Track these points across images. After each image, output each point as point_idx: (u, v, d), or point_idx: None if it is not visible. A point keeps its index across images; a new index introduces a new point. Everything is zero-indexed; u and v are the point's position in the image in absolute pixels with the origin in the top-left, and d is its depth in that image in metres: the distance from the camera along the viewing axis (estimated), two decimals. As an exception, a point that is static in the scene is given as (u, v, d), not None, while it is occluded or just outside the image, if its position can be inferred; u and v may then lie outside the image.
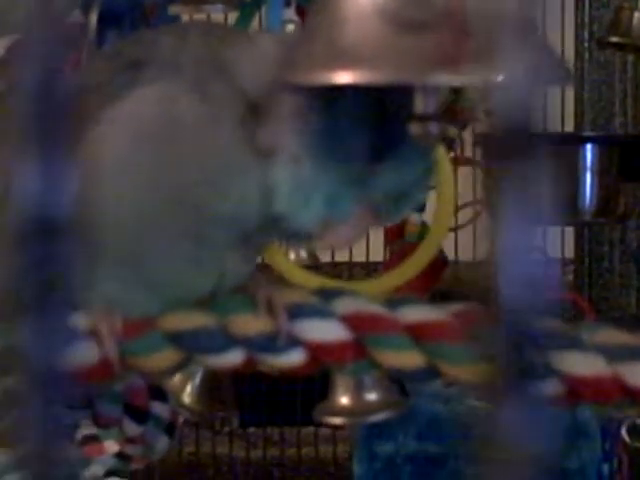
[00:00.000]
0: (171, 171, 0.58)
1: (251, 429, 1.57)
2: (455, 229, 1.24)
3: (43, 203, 0.24)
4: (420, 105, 0.56)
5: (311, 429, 1.51)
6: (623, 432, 1.06)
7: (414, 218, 1.04)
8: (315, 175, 0.58)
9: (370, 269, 1.51)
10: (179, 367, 0.63)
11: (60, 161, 0.24)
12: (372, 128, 0.58)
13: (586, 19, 1.43)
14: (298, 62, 0.57)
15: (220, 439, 1.54)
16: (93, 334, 0.60)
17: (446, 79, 0.54)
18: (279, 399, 1.51)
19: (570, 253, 1.47)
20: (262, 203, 0.59)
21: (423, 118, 0.56)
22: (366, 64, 0.53)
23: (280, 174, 0.59)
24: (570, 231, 1.43)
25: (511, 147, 0.26)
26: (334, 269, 1.53)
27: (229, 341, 0.62)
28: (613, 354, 0.61)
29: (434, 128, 0.56)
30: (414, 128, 0.56)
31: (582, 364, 0.60)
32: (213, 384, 0.97)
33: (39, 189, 0.24)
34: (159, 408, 0.87)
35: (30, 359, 0.28)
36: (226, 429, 1.55)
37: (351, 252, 1.49)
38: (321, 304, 0.63)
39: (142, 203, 0.59)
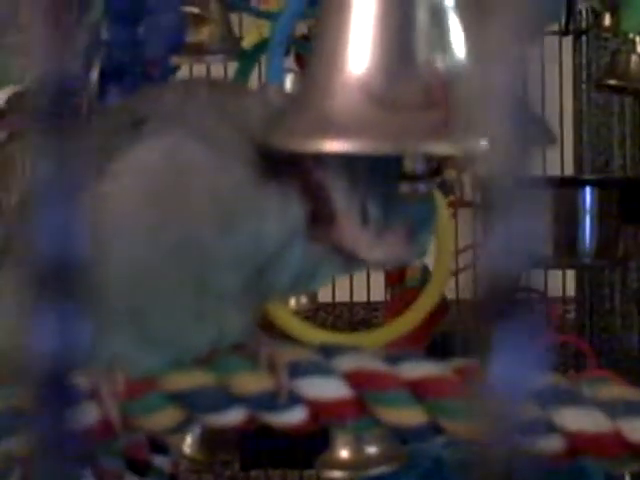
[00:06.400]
0: (180, 220, 0.58)
1: (252, 472, 1.56)
2: (456, 272, 1.25)
3: (55, 358, 0.24)
4: (409, 166, 0.58)
5: (313, 472, 1.51)
6: (627, 478, 1.06)
7: (415, 263, 1.05)
8: (367, 188, 0.59)
9: (371, 309, 1.51)
10: (181, 426, 0.63)
11: (75, 316, 0.24)
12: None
13: (584, 61, 1.44)
14: (289, 129, 0.57)
15: (221, 481, 1.54)
16: (94, 394, 0.60)
17: (430, 149, 0.56)
18: (280, 441, 1.51)
19: (571, 292, 1.48)
20: (281, 239, 0.59)
21: (412, 178, 0.58)
22: (353, 135, 0.55)
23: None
24: (571, 271, 1.44)
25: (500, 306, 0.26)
26: (334, 309, 1.53)
27: (230, 400, 0.62)
28: (614, 410, 0.61)
29: (422, 187, 0.58)
30: (403, 187, 0.58)
31: (583, 420, 0.61)
32: (213, 432, 0.97)
33: (53, 345, 0.25)
34: (160, 460, 0.87)
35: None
36: (227, 472, 1.55)
37: (352, 292, 1.49)
38: (322, 361, 0.63)
39: (150, 257, 0.58)
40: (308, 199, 0.59)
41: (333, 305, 1.50)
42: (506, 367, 0.27)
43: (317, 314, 1.41)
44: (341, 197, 0.59)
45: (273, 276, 0.60)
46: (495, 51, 0.27)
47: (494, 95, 0.26)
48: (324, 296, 1.42)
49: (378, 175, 0.60)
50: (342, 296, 1.50)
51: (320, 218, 0.59)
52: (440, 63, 0.56)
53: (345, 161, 0.59)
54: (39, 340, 0.25)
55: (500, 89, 0.26)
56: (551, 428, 0.60)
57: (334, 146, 0.55)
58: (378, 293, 1.36)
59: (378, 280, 1.26)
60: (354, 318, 1.53)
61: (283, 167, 0.58)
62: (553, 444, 0.60)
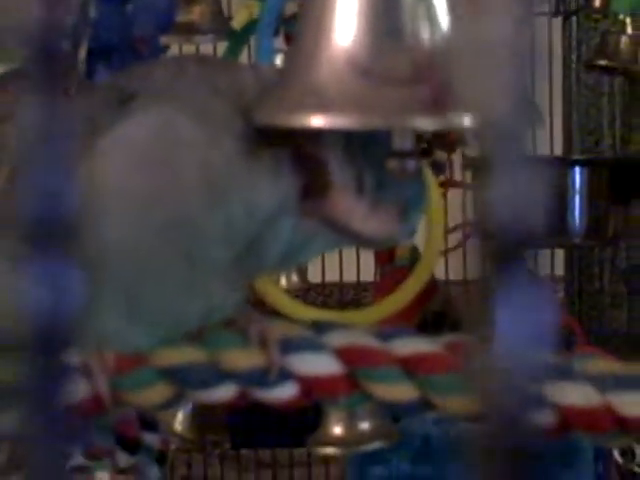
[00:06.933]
0: (170, 195, 0.58)
1: (243, 451, 1.56)
2: (445, 252, 1.25)
3: (47, 313, 0.24)
4: (398, 142, 0.57)
5: (303, 450, 1.51)
6: (616, 454, 1.07)
7: (404, 242, 1.04)
8: (363, 160, 0.59)
9: (361, 289, 1.51)
10: (171, 402, 0.63)
11: (64, 266, 0.24)
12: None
13: (574, 42, 1.44)
14: (274, 104, 0.57)
15: (211, 461, 1.54)
16: (85, 370, 0.60)
17: (418, 125, 0.55)
18: (271, 420, 1.51)
19: (560, 271, 1.48)
20: (271, 213, 0.58)
21: (401, 154, 0.57)
22: (340, 110, 0.54)
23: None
24: (560, 251, 1.44)
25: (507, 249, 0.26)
26: (324, 290, 1.53)
27: (221, 376, 0.62)
28: (604, 384, 0.61)
29: (411, 164, 0.57)
30: (391, 163, 0.57)
31: (573, 394, 0.60)
32: (205, 410, 0.97)
33: (43, 296, 0.24)
34: (150, 438, 0.87)
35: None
36: (217, 451, 1.55)
37: (341, 272, 1.49)
38: (313, 338, 0.63)
39: (141, 231, 0.58)
40: (301, 171, 0.58)
41: (323, 285, 1.50)
42: (511, 327, 0.27)
43: (307, 294, 1.41)
44: (337, 167, 0.59)
45: (263, 250, 0.59)
46: (492, 9, 0.26)
47: (489, 51, 0.26)
48: (314, 276, 1.42)
49: (373, 148, 0.59)
50: (332, 276, 1.49)
51: (313, 191, 0.59)
52: (427, 37, 0.55)
53: (340, 132, 0.58)
54: (29, 300, 0.25)
55: (496, 44, 0.26)
56: (543, 402, 0.60)
57: (320, 121, 0.54)
58: (368, 273, 1.36)
59: (368, 260, 1.26)
60: (344, 298, 1.52)
61: (276, 140, 0.58)
62: (544, 418, 0.60)
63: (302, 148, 0.58)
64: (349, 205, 0.59)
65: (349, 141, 0.59)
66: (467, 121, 0.54)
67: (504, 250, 0.26)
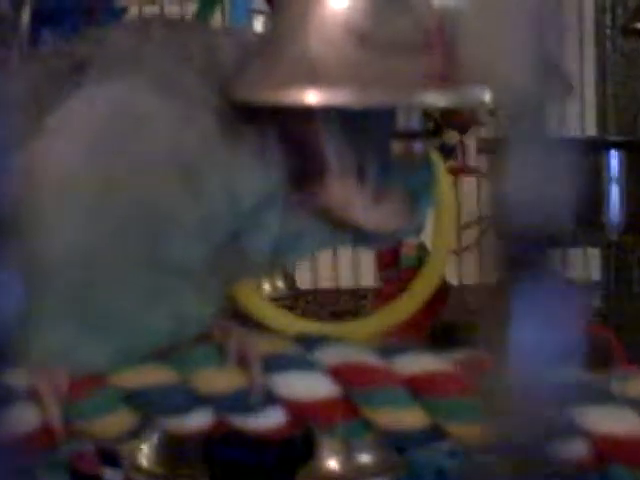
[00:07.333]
0: (131, 181, 0.58)
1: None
2: (458, 252, 1.25)
3: None
4: (403, 121, 0.57)
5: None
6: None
7: (410, 239, 1.05)
8: (364, 143, 0.59)
9: (359, 297, 1.52)
10: (136, 431, 0.63)
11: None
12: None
13: (608, 3, 1.45)
14: (257, 77, 0.57)
15: (183, 501, 1.55)
16: (32, 394, 0.60)
17: (426, 101, 0.55)
18: (254, 455, 1.51)
19: (596, 276, 1.48)
20: (256, 202, 0.59)
21: (407, 135, 0.57)
22: (336, 84, 0.54)
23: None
24: (595, 250, 1.44)
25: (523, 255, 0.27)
26: (316, 298, 1.53)
27: (195, 400, 0.62)
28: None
29: (419, 146, 0.58)
30: (397, 147, 0.58)
31: (610, 421, 0.61)
32: (175, 441, 0.98)
33: None
34: (111, 475, 0.87)
35: None
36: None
37: (337, 278, 1.50)
38: (303, 354, 0.63)
39: (97, 225, 0.58)
40: (292, 155, 0.59)
41: (314, 292, 1.51)
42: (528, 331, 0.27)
43: (296, 303, 1.41)
44: (333, 151, 0.59)
45: (246, 248, 0.59)
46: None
47: (508, 9, 0.26)
48: (303, 282, 1.42)
49: (375, 129, 0.60)
50: (325, 282, 1.50)
51: (306, 178, 0.59)
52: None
53: (337, 110, 0.58)
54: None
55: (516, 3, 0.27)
56: (574, 430, 0.60)
57: (314, 98, 0.55)
58: (367, 278, 1.37)
59: (367, 263, 1.27)
60: (339, 308, 1.53)
61: (261, 117, 0.58)
62: (577, 449, 0.60)
63: (292, 127, 0.59)
64: (348, 195, 0.59)
65: (347, 120, 0.59)
66: (484, 96, 0.54)
67: (524, 250, 0.27)
